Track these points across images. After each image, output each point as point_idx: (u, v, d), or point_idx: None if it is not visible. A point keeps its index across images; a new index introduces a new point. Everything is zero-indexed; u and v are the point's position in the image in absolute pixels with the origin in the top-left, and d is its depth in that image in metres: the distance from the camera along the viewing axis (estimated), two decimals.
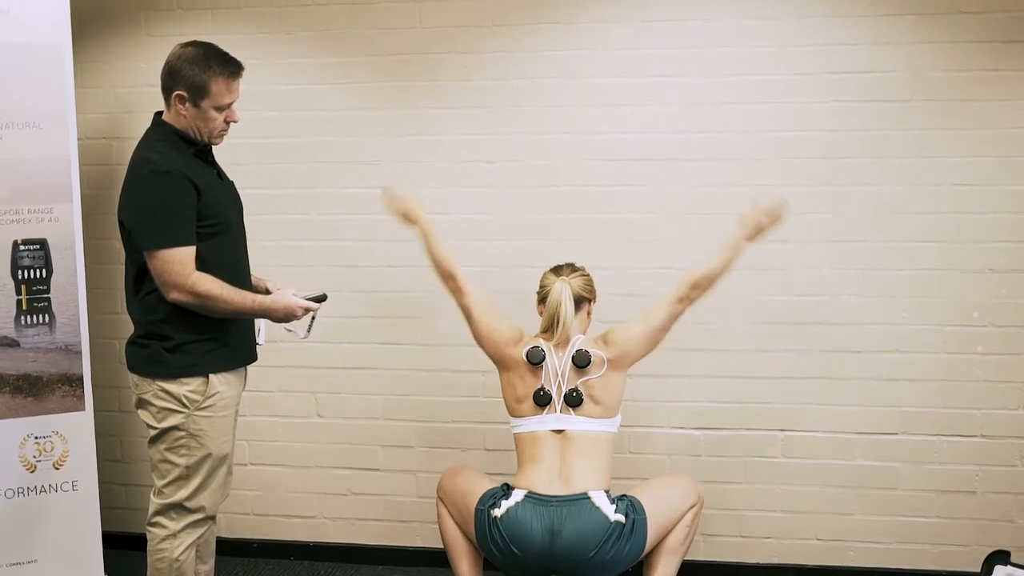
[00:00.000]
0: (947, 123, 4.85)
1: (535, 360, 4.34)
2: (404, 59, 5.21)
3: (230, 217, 4.12)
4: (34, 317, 4.81)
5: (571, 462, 4.25)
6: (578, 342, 4.37)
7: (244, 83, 5.30)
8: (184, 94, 3.97)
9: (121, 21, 5.42)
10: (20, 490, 4.81)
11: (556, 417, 4.31)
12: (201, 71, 3.97)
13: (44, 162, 4.79)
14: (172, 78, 3.98)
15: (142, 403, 4.09)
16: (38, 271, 4.82)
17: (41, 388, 4.81)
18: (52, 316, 4.84)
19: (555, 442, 4.29)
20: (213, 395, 4.03)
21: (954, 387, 4.95)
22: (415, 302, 5.27)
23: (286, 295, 4.12)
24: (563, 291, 4.38)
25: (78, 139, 4.94)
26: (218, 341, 4.05)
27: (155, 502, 4.10)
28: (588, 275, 4.52)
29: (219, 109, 4.03)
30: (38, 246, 4.81)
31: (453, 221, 5.20)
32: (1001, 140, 4.82)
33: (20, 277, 4.79)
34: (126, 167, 5.35)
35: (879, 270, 4.94)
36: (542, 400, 4.31)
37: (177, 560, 4.07)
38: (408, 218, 4.68)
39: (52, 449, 4.85)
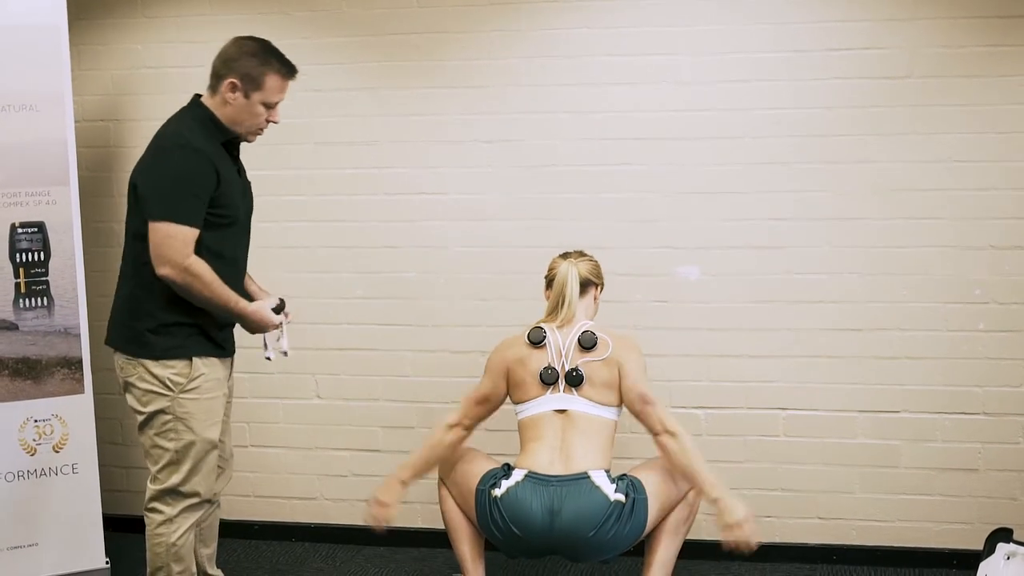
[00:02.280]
0: (947, 99, 4.83)
1: (536, 339, 4.33)
2: (402, 39, 5.19)
3: (239, 213, 4.13)
4: (32, 300, 4.80)
5: (572, 442, 4.24)
6: (585, 325, 4.36)
7: None
8: (237, 82, 3.98)
9: (118, 3, 5.40)
10: (20, 473, 4.80)
11: (559, 397, 4.30)
12: (260, 64, 3.99)
13: (41, 145, 4.78)
14: (227, 66, 4.00)
15: (128, 387, 4.09)
16: (36, 254, 4.81)
17: (40, 371, 4.81)
18: (51, 299, 4.83)
19: (557, 422, 4.29)
20: (198, 377, 4.03)
21: (956, 365, 4.94)
22: (413, 283, 5.26)
23: (265, 308, 4.16)
24: (569, 271, 4.39)
25: (75, 121, 4.92)
26: (201, 328, 4.06)
27: (151, 488, 4.10)
28: (596, 261, 4.52)
29: (267, 105, 4.05)
30: (36, 229, 4.80)
31: (452, 201, 5.19)
32: (1001, 116, 4.80)
33: (18, 260, 4.78)
34: (124, 149, 5.39)
35: (879, 248, 4.93)
36: (549, 378, 4.30)
37: (175, 544, 4.07)
38: (398, 495, 4.49)
39: (52, 432, 4.85)
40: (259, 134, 4.17)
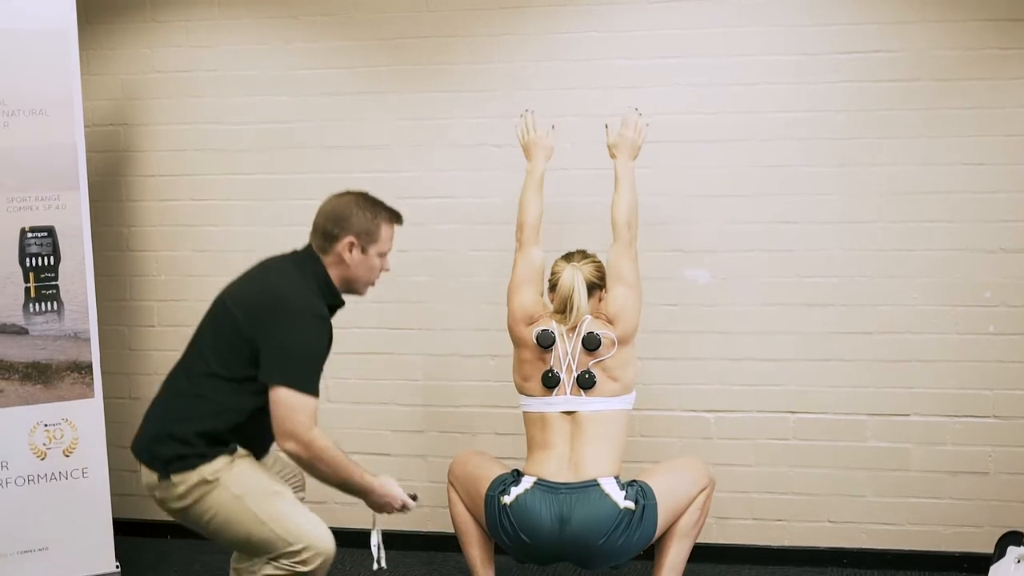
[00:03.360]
0: (955, 102, 4.82)
1: (545, 343, 4.33)
2: (411, 43, 5.19)
3: None
4: (43, 304, 4.81)
5: (581, 448, 4.24)
6: (586, 323, 4.35)
7: (250, 68, 5.34)
8: (355, 240, 3.92)
9: (127, 7, 5.41)
10: (30, 477, 4.81)
11: (565, 399, 4.30)
12: (372, 216, 3.95)
13: (51, 149, 4.79)
14: (340, 225, 3.92)
15: (182, 511, 3.88)
16: (46, 258, 4.81)
17: (50, 375, 4.82)
18: (60, 303, 4.84)
19: (565, 426, 4.28)
20: (239, 458, 3.87)
21: (966, 367, 4.93)
22: (424, 287, 5.26)
23: (393, 484, 3.96)
24: (575, 276, 4.37)
25: (85, 126, 4.94)
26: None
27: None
28: (599, 261, 4.51)
29: (381, 255, 4.01)
30: (46, 233, 4.81)
31: (460, 204, 5.20)
32: (1010, 119, 4.80)
33: (28, 264, 4.79)
34: (133, 153, 5.40)
35: (889, 251, 4.92)
36: (550, 382, 4.30)
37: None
38: (532, 152, 4.71)
39: (62, 436, 4.85)
40: (372, 286, 4.10)
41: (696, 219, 5.04)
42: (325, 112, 5.28)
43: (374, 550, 4.05)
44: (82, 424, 4.89)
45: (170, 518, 4.01)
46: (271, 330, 3.75)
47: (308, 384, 3.75)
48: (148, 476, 3.88)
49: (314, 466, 3.76)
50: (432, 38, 5.18)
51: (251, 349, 3.76)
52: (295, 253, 4.01)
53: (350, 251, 3.92)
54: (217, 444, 3.79)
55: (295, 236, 5.25)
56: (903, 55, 4.84)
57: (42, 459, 4.83)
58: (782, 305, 5.02)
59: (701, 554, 4.64)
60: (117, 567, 4.98)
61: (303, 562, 3.72)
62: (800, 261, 4.99)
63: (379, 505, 3.95)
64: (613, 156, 4.61)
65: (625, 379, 4.32)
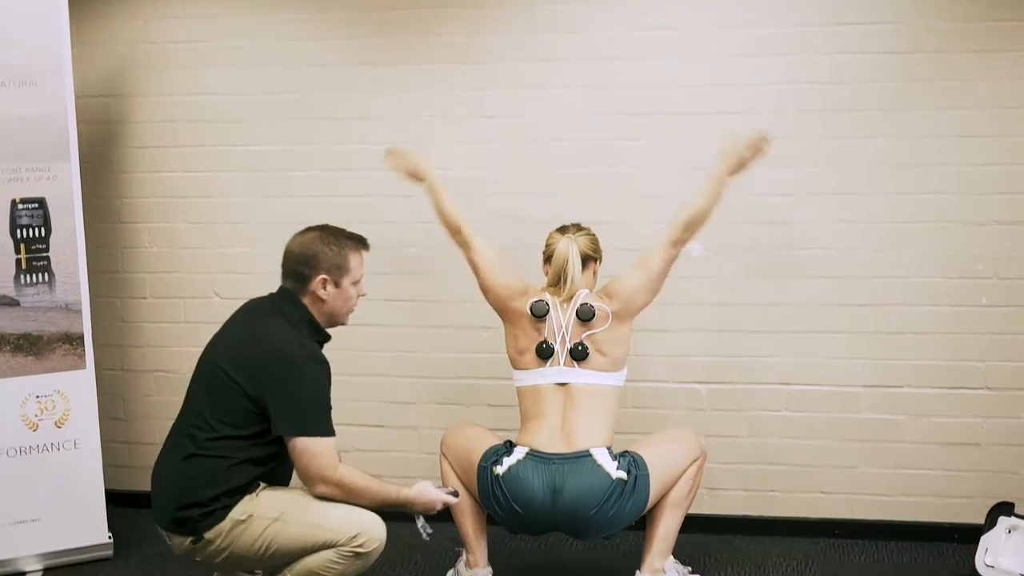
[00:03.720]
0: (952, 74, 4.81)
1: (539, 313, 4.33)
2: (406, 14, 5.17)
3: None
4: (34, 276, 4.80)
5: (573, 419, 4.24)
6: (582, 296, 4.35)
7: (243, 39, 5.31)
8: (327, 277, 3.95)
9: None
10: (22, 449, 4.81)
11: (558, 370, 4.30)
12: (338, 249, 3.98)
13: (41, 120, 4.77)
14: (310, 265, 3.95)
15: (227, 559, 3.87)
16: (37, 230, 4.80)
17: (42, 347, 4.81)
18: (52, 275, 4.83)
19: (558, 397, 4.28)
20: (261, 491, 3.89)
21: (959, 340, 4.93)
22: (417, 259, 5.26)
23: (428, 488, 4.06)
24: (570, 248, 4.37)
25: (76, 97, 4.90)
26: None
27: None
28: (594, 235, 4.50)
29: (355, 283, 4.04)
30: (37, 205, 4.80)
31: (455, 177, 5.17)
32: (1006, 91, 4.79)
33: (19, 236, 4.78)
34: (125, 125, 5.37)
35: (883, 223, 4.92)
36: (544, 353, 4.30)
37: None
38: (415, 175, 4.69)
39: (54, 408, 4.85)
40: (352, 313, 4.12)
41: (689, 191, 5.01)
42: (318, 83, 5.26)
43: (420, 529, 4.12)
44: (74, 395, 4.89)
45: None
46: (278, 386, 3.80)
47: (323, 428, 3.82)
48: (179, 541, 3.88)
49: (350, 500, 3.84)
50: (426, 9, 5.15)
51: (259, 406, 3.81)
52: (274, 299, 4.04)
53: (324, 288, 3.96)
54: (240, 493, 3.83)
55: (288, 208, 5.27)
56: (898, 27, 4.83)
57: (34, 430, 4.83)
58: (776, 277, 5.02)
59: (693, 524, 4.64)
60: (109, 538, 4.99)
61: (361, 546, 3.79)
62: (794, 233, 4.98)
63: (422, 511, 4.07)
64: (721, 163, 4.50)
65: (615, 355, 4.32)
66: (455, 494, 4.16)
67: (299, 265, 3.96)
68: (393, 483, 3.99)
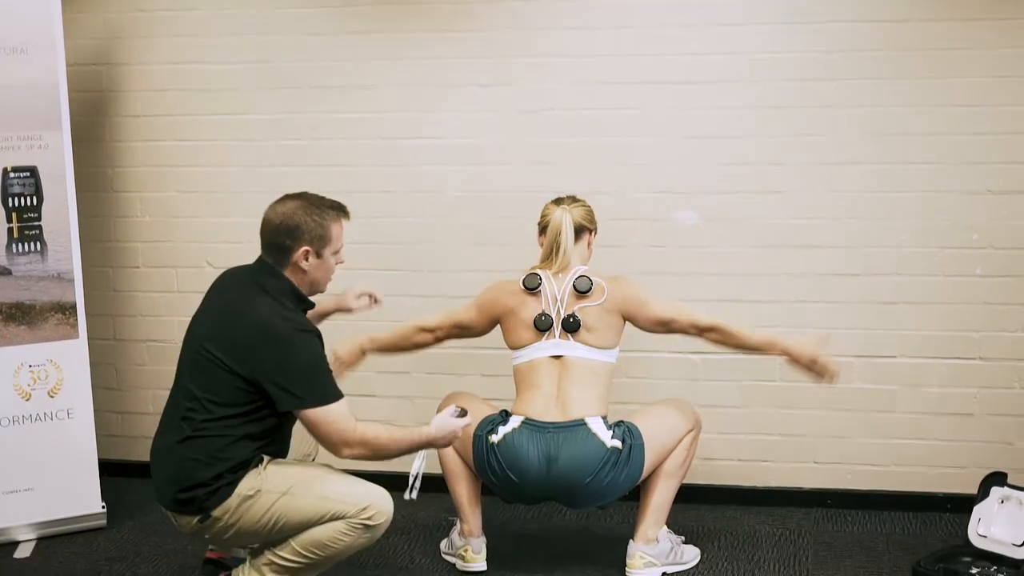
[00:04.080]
0: (946, 43, 4.79)
1: (531, 286, 4.33)
2: None
3: None
4: (25, 245, 4.79)
5: (568, 389, 4.25)
6: (580, 271, 4.35)
7: (235, 7, 5.29)
8: (310, 248, 3.87)
9: None
10: (15, 418, 4.81)
11: (554, 343, 4.31)
12: (320, 219, 3.90)
13: (33, 88, 4.76)
14: (291, 236, 3.86)
15: (235, 535, 3.85)
16: (29, 199, 4.79)
17: (34, 316, 4.80)
18: (44, 244, 4.81)
19: (553, 368, 4.29)
20: (266, 465, 3.87)
21: (953, 310, 4.93)
22: (409, 228, 5.24)
23: (446, 420, 3.97)
24: (564, 218, 4.37)
25: (67, 65, 4.88)
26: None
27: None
28: (589, 207, 4.50)
29: (335, 253, 3.97)
30: (28, 173, 4.78)
31: (449, 145, 5.17)
32: (1000, 60, 4.77)
33: (11, 205, 4.76)
34: (116, 93, 5.35)
35: (878, 192, 4.91)
36: (543, 324, 4.30)
37: None
38: (357, 359, 4.63)
39: (46, 377, 4.85)
40: (330, 281, 4.06)
41: (684, 160, 5.02)
42: (310, 52, 5.24)
43: (411, 479, 4.03)
44: (67, 365, 4.88)
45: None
46: (272, 365, 3.75)
47: (329, 393, 3.78)
48: (186, 521, 3.85)
49: (380, 455, 3.83)
50: None
51: (251, 384, 3.76)
52: (253, 271, 3.97)
53: (307, 259, 3.89)
54: (243, 468, 3.80)
55: (280, 177, 5.25)
56: None
57: (27, 400, 4.82)
58: (770, 247, 5.01)
59: (687, 495, 4.64)
60: (103, 507, 4.99)
61: (370, 518, 3.77)
62: (788, 203, 4.98)
63: (446, 444, 4.04)
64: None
65: (605, 335, 4.33)
66: (464, 413, 4.04)
67: (280, 236, 3.88)
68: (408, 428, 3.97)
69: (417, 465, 4.03)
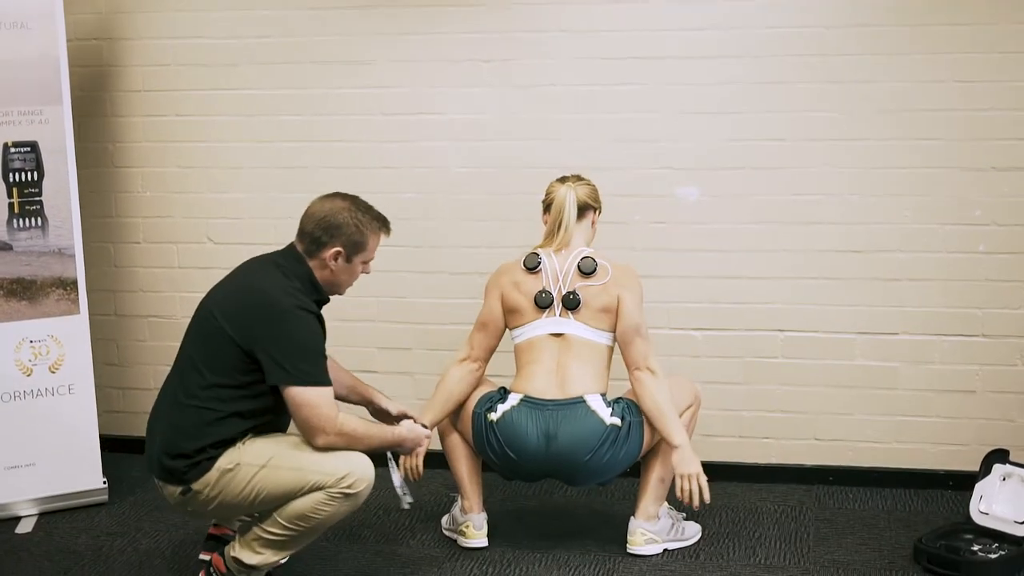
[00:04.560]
0: (949, 18, 4.77)
1: (530, 265, 4.33)
2: None
3: None
4: (26, 220, 4.78)
5: (568, 365, 4.25)
6: (584, 252, 4.34)
7: None
8: (342, 251, 3.89)
9: None
10: (16, 394, 4.81)
11: (554, 321, 4.30)
12: (363, 228, 3.91)
13: (33, 63, 4.75)
14: (329, 234, 3.87)
15: (218, 507, 3.87)
16: (29, 174, 4.78)
17: (35, 292, 4.80)
18: (45, 219, 4.81)
19: (553, 345, 4.29)
20: (248, 440, 3.86)
21: (955, 286, 4.92)
22: (409, 204, 5.22)
23: (414, 425, 4.12)
24: (568, 195, 4.36)
25: (68, 40, 4.86)
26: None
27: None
28: (594, 185, 4.48)
29: (365, 263, 4.00)
30: (29, 148, 4.77)
31: (450, 121, 5.15)
32: (1004, 35, 4.74)
33: (11, 180, 4.76)
34: (117, 68, 5.33)
35: (880, 169, 4.89)
36: (544, 301, 4.30)
37: None
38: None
39: (48, 353, 4.85)
40: (351, 287, 4.09)
41: (686, 136, 5.00)
42: (312, 27, 5.21)
43: (398, 490, 4.08)
44: (68, 340, 4.88)
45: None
46: (264, 335, 3.76)
47: (317, 376, 3.78)
48: (170, 492, 3.87)
49: (352, 447, 3.83)
50: None
51: (248, 356, 3.77)
52: (278, 254, 3.99)
53: (335, 260, 3.90)
54: (226, 445, 3.81)
55: (281, 152, 5.25)
56: None
57: (28, 375, 4.82)
58: (772, 223, 5.00)
59: None
60: (104, 483, 5.00)
61: (350, 486, 3.76)
62: (790, 179, 4.96)
63: (411, 448, 4.14)
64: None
65: (605, 317, 4.31)
66: (425, 427, 4.17)
67: (319, 231, 3.88)
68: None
69: (396, 478, 4.10)
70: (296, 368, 3.73)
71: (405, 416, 4.24)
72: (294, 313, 3.77)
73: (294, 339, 3.76)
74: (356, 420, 3.88)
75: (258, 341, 3.75)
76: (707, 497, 4.23)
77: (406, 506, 4.11)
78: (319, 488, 3.74)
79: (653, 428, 4.26)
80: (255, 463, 3.77)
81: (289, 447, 3.83)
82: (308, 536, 3.87)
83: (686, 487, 4.21)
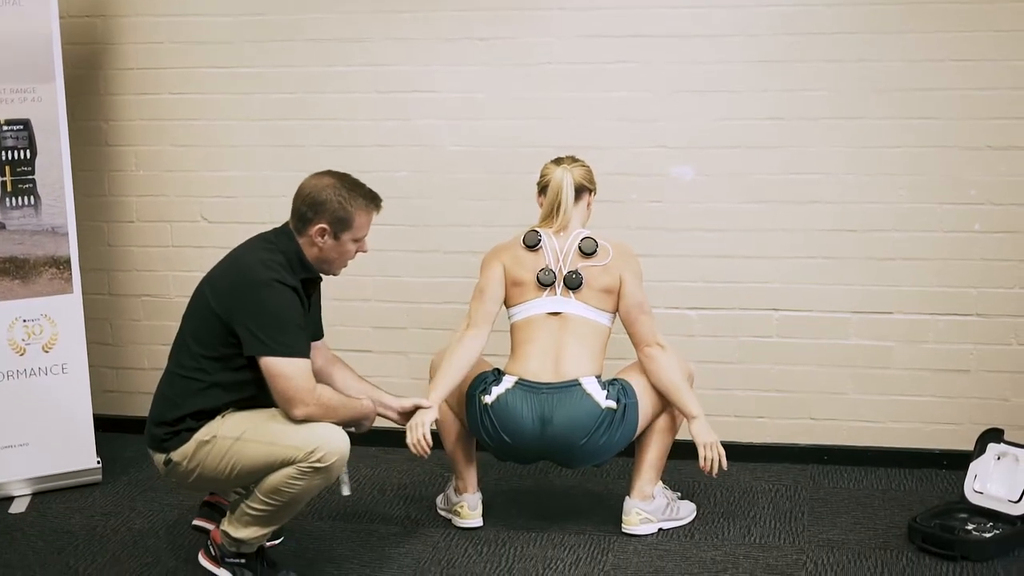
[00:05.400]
0: None
1: (530, 243, 4.32)
2: None
3: None
4: (19, 199, 4.77)
5: (565, 347, 4.25)
6: (583, 233, 4.34)
7: None
8: (327, 227, 3.87)
9: None
10: (10, 373, 4.80)
11: (555, 300, 4.30)
12: (347, 203, 3.88)
13: (25, 40, 4.73)
14: (314, 210, 3.87)
15: (197, 479, 3.90)
16: (22, 152, 4.76)
17: (28, 271, 4.79)
18: (37, 198, 4.79)
19: (551, 324, 4.29)
20: (229, 414, 3.89)
21: (950, 266, 4.92)
22: (404, 182, 5.21)
23: (390, 399, 4.25)
24: (564, 177, 4.34)
25: (60, 17, 4.85)
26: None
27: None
28: (589, 167, 4.47)
29: (356, 241, 3.97)
30: (21, 126, 4.75)
31: (445, 99, 5.14)
32: (1000, 15, 4.73)
33: (4, 158, 4.74)
34: (110, 46, 5.31)
35: (875, 148, 4.88)
36: (547, 279, 4.29)
37: None
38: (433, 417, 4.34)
39: (41, 332, 4.83)
40: (345, 268, 4.08)
41: (681, 115, 4.99)
42: (306, 4, 5.19)
43: (341, 477, 4.06)
44: (61, 320, 4.87)
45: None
46: (241, 307, 3.77)
47: (295, 347, 3.77)
48: (157, 460, 3.92)
49: (329, 418, 3.84)
50: None
51: (225, 327, 3.78)
52: (272, 231, 4.00)
53: (322, 237, 3.89)
54: (206, 417, 3.83)
55: (275, 131, 5.23)
56: None
57: (21, 355, 4.81)
58: (767, 202, 4.99)
59: (683, 451, 4.62)
60: (98, 463, 4.99)
61: (319, 460, 3.75)
62: (786, 158, 4.95)
63: (366, 429, 4.13)
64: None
65: (606, 297, 4.32)
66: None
67: (305, 207, 3.89)
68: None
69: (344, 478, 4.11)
70: (272, 339, 3.73)
71: (416, 407, 4.25)
72: (270, 285, 3.77)
73: (270, 311, 3.76)
74: (332, 392, 3.91)
75: (236, 313, 3.77)
76: (725, 465, 4.27)
77: (346, 492, 4.16)
78: (290, 462, 3.74)
79: (663, 403, 4.30)
80: (230, 436, 3.79)
81: (264, 420, 3.83)
82: (288, 510, 3.87)
83: (709, 455, 4.24)
